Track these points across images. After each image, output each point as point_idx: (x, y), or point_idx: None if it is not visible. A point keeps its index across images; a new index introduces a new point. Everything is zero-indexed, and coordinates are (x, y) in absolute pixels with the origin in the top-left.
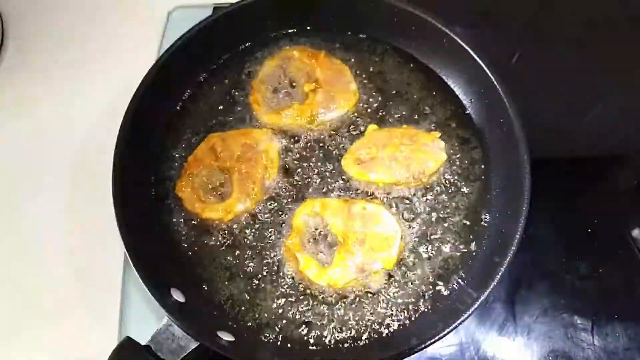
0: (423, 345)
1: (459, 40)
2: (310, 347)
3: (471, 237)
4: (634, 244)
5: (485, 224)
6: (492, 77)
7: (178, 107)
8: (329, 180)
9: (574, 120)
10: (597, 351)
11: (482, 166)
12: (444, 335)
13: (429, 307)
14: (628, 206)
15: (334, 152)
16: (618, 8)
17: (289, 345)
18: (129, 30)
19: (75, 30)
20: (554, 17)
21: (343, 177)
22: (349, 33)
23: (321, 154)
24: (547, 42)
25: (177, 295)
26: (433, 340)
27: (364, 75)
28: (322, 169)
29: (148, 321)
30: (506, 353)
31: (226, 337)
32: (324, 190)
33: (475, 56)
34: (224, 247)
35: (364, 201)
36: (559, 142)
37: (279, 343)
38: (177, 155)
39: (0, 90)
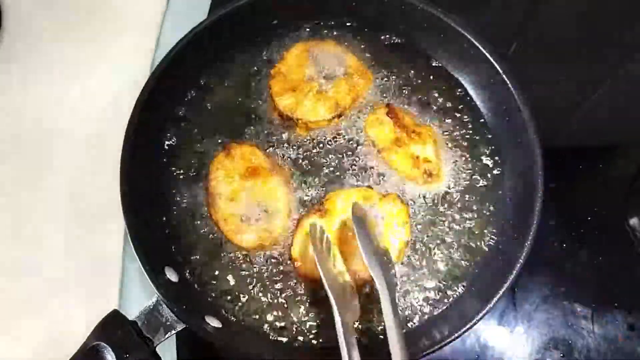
0: (430, 350)
1: (487, 54)
2: (301, 345)
3: (477, 247)
4: (632, 233)
5: (492, 242)
6: (517, 97)
7: (191, 94)
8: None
9: (573, 110)
10: (597, 339)
11: (493, 180)
12: (451, 341)
13: (433, 310)
14: (626, 195)
15: None
16: None
17: (277, 339)
18: (131, 10)
19: (76, 10)
20: (550, 6)
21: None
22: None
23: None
24: (544, 32)
25: (171, 275)
26: (439, 345)
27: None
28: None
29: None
30: (507, 341)
31: (213, 322)
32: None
33: (500, 70)
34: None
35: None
36: (557, 131)
37: (268, 336)
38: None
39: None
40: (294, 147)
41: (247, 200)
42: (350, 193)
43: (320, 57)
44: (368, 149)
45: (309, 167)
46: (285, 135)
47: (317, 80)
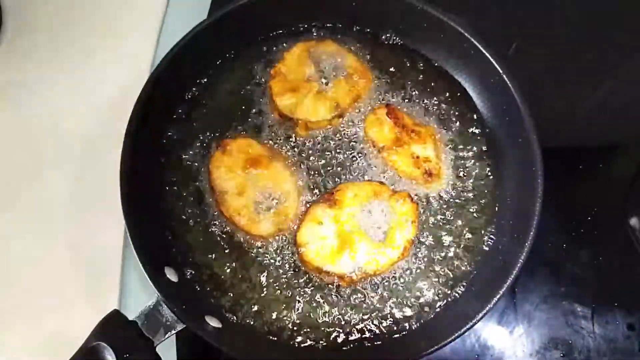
0: (430, 350)
1: (487, 54)
2: (302, 345)
3: (477, 247)
4: (632, 232)
5: (491, 242)
6: (517, 97)
7: (191, 94)
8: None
9: (572, 110)
10: (597, 339)
11: (493, 180)
12: (451, 341)
13: (434, 311)
14: (626, 195)
15: None
16: None
17: (277, 339)
18: (131, 10)
19: (76, 10)
20: (550, 6)
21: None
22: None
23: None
24: (544, 32)
25: (171, 275)
26: (439, 345)
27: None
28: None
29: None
30: (507, 341)
31: (213, 322)
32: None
33: (500, 70)
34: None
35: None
36: (557, 131)
37: (268, 336)
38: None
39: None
40: (294, 148)
41: (254, 191)
42: (362, 186)
43: (320, 57)
44: (368, 149)
45: (308, 167)
46: (285, 136)
47: (317, 80)
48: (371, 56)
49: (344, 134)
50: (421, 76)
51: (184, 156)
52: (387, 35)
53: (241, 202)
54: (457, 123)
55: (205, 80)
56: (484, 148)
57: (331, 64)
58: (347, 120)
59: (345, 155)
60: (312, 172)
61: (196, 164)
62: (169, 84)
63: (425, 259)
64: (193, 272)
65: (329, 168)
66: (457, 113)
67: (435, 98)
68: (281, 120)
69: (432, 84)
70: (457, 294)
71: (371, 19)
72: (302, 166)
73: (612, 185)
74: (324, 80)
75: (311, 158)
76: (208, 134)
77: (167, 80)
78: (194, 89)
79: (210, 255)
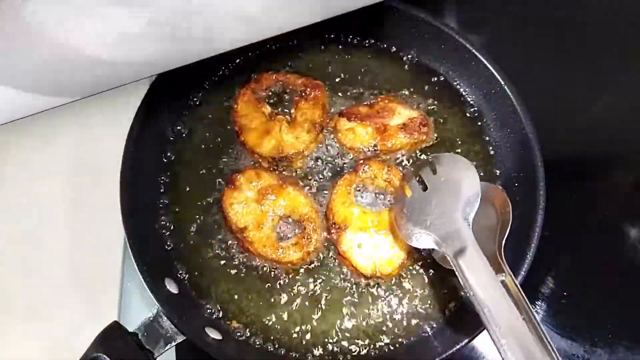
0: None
1: (488, 66)
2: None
3: None
4: (628, 240)
5: None
6: (519, 108)
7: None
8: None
9: (573, 119)
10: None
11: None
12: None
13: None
14: (626, 205)
15: None
16: (617, 4)
17: (278, 352)
18: None
19: None
20: (550, 14)
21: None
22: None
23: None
24: (544, 40)
25: (171, 286)
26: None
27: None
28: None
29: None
30: None
31: (214, 334)
32: None
33: (502, 82)
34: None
35: None
36: (558, 141)
37: (268, 349)
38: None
39: None
40: (297, 175)
41: (274, 220)
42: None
43: (267, 93)
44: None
45: (318, 187)
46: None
47: (281, 113)
48: (356, 62)
49: (333, 140)
50: (426, 87)
51: (184, 169)
52: (382, 45)
53: (264, 235)
54: (458, 134)
55: (207, 84)
56: (486, 158)
57: (280, 92)
58: (327, 129)
59: (343, 156)
60: (322, 189)
61: (197, 172)
62: (168, 96)
63: (425, 270)
64: (193, 283)
65: (328, 173)
66: (458, 124)
67: (434, 108)
68: (274, 162)
69: (432, 94)
70: (459, 305)
71: (362, 29)
72: (311, 188)
73: (612, 196)
74: (286, 110)
75: (317, 177)
76: (205, 149)
77: (166, 92)
78: (192, 101)
79: (210, 268)
